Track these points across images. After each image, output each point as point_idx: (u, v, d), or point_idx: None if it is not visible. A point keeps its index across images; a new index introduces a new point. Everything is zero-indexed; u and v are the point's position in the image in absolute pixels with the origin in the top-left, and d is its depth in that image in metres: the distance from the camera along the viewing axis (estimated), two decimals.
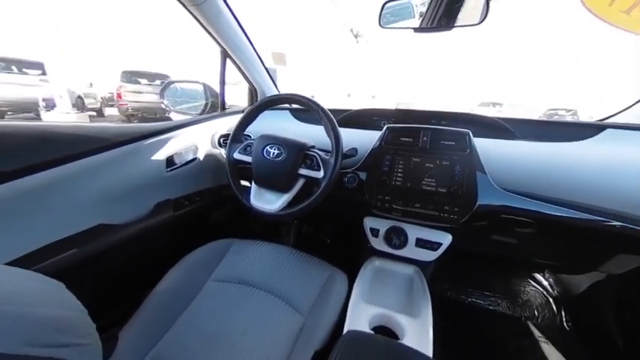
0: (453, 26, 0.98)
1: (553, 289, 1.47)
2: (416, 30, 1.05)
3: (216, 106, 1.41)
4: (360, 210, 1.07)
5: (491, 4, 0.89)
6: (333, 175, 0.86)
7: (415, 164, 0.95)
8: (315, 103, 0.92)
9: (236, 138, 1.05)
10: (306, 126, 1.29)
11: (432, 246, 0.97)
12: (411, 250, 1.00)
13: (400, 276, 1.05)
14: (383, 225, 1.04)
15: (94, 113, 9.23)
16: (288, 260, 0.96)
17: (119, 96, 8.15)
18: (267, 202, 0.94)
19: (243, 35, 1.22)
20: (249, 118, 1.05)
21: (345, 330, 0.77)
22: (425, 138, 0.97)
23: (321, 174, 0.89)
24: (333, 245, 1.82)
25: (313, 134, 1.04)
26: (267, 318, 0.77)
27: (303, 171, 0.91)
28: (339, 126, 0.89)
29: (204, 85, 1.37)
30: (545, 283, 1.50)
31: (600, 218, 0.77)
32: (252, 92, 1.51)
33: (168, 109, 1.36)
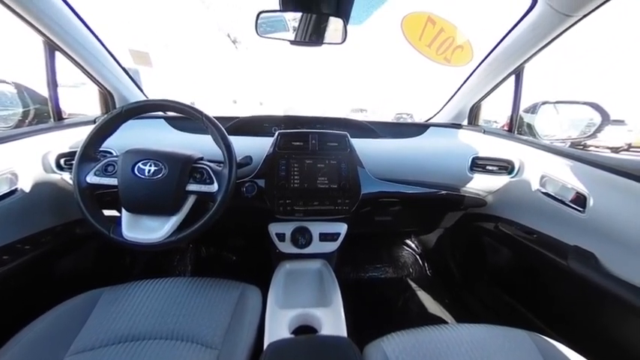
0: (322, 43, 1.13)
1: (418, 249, 1.94)
2: (292, 42, 1.14)
3: (42, 115, 1.02)
4: (264, 217, 1.06)
5: (348, 27, 1.08)
6: (230, 187, 0.80)
7: (308, 166, 1.03)
8: (197, 110, 0.82)
9: (88, 156, 0.79)
10: (189, 136, 1.13)
11: (333, 237, 1.09)
12: (316, 246, 1.08)
13: (310, 272, 1.10)
14: (288, 228, 1.07)
15: None
16: (186, 292, 0.81)
17: None
18: (148, 230, 0.76)
19: (82, 24, 0.95)
20: (106, 129, 0.82)
21: (266, 343, 0.73)
22: (313, 141, 1.07)
23: (215, 187, 0.80)
24: (240, 261, 1.70)
25: (199, 145, 0.93)
26: None
27: (192, 187, 0.80)
28: (229, 134, 0.84)
29: (19, 87, 0.97)
30: (412, 245, 1.96)
31: (434, 190, 1.15)
32: (106, 97, 1.19)
33: None
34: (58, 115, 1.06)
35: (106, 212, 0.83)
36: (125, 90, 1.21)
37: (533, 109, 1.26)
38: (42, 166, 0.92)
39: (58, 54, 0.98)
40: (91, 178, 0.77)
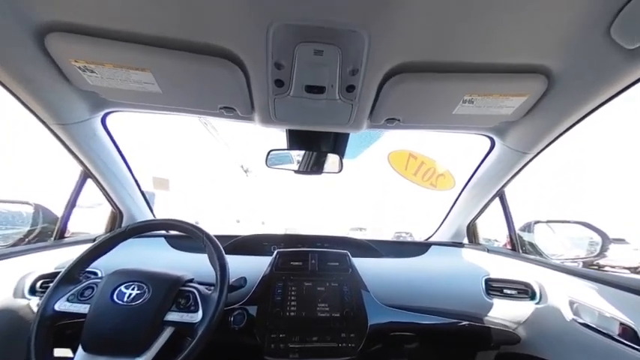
0: (322, 172, 1.31)
1: None
2: (295, 172, 1.32)
3: (46, 233, 1.03)
4: (250, 357, 0.85)
5: (343, 161, 1.28)
6: (216, 316, 0.69)
7: (307, 289, 0.93)
8: (198, 228, 0.84)
9: (69, 277, 0.74)
10: (186, 255, 1.10)
11: None
12: None
13: None
14: None
15: None
16: None
17: None
18: None
19: (119, 157, 1.12)
20: (102, 248, 0.80)
21: None
22: (313, 261, 1.02)
23: (198, 316, 0.69)
24: None
25: (194, 265, 0.89)
26: None
27: (172, 316, 0.69)
28: (226, 253, 0.81)
29: (37, 207, 1.04)
30: None
31: (453, 320, 0.98)
32: (115, 217, 1.25)
33: None
34: (60, 234, 1.07)
35: (60, 352, 0.68)
36: (137, 210, 1.28)
37: (528, 228, 1.29)
38: (13, 289, 0.84)
39: (89, 180, 1.11)
40: (61, 305, 0.69)
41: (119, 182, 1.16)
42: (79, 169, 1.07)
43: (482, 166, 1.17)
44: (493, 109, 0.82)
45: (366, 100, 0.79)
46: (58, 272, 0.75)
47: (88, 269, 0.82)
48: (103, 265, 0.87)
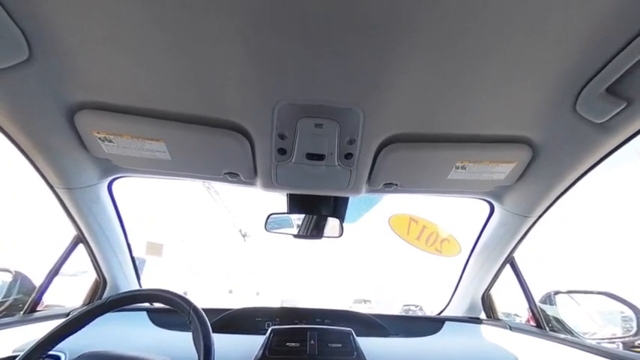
0: (322, 236, 1.27)
1: None
2: (295, 236, 1.28)
3: (17, 306, 0.93)
4: None
5: (344, 225, 1.26)
6: None
7: None
8: (185, 300, 0.75)
9: None
10: (168, 333, 0.97)
11: None
12: None
13: None
14: None
15: None
16: None
17: None
18: None
19: (117, 222, 1.10)
20: (73, 325, 0.70)
21: None
22: (312, 342, 0.89)
23: None
24: None
25: (175, 346, 0.78)
26: None
27: None
28: (214, 331, 0.71)
29: (17, 275, 0.97)
30: None
31: None
32: (97, 286, 1.15)
33: None
34: (32, 307, 0.96)
35: None
36: (122, 279, 1.19)
37: (549, 300, 1.17)
38: None
39: (80, 246, 1.06)
40: None
41: (111, 248, 1.11)
42: (71, 234, 1.04)
43: (485, 231, 1.14)
44: (486, 174, 0.85)
45: (364, 166, 0.84)
46: (16, 356, 0.64)
47: (53, 353, 0.70)
48: (69, 346, 0.75)
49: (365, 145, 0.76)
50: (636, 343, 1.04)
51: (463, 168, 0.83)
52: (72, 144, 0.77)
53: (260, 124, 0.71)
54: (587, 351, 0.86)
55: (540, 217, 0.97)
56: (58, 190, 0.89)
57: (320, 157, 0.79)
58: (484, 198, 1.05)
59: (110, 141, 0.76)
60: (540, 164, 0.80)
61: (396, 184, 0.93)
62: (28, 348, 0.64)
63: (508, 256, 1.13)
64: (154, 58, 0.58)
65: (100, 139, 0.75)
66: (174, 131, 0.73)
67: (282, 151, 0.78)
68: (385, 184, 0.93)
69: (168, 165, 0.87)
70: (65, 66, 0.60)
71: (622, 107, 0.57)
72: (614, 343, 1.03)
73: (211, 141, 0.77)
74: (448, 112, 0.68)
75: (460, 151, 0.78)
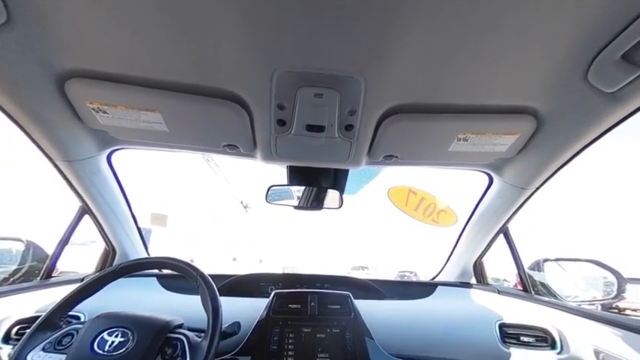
0: (322, 208, 1.30)
1: None
2: (295, 208, 1.31)
3: (33, 273, 0.98)
4: None
5: (344, 197, 1.27)
6: None
7: (307, 336, 0.86)
8: (192, 267, 0.80)
9: (48, 323, 0.68)
10: (178, 297, 1.03)
11: None
12: None
13: None
14: None
15: None
16: None
17: None
18: None
19: (120, 194, 1.12)
20: (89, 289, 0.75)
21: None
22: (312, 303, 0.96)
23: None
24: None
25: (185, 308, 0.83)
26: None
27: None
28: (220, 295, 0.76)
29: (29, 244, 1.01)
30: None
31: None
32: (107, 254, 1.20)
33: None
34: (48, 273, 1.02)
35: None
36: (131, 248, 1.24)
37: (537, 267, 1.23)
38: None
39: (86, 217, 1.10)
40: (35, 355, 0.62)
41: (117, 219, 1.14)
42: (76, 205, 1.06)
43: (482, 202, 1.16)
44: (487, 146, 0.84)
45: (364, 138, 0.82)
46: (38, 316, 0.69)
47: (72, 313, 0.76)
48: (87, 308, 0.82)
49: (366, 117, 0.74)
50: (614, 305, 1.12)
51: (465, 140, 0.82)
52: (65, 115, 0.75)
53: (258, 94, 0.68)
54: (567, 312, 0.93)
55: (538, 189, 0.99)
56: (57, 163, 0.89)
57: (320, 129, 0.78)
58: (483, 170, 1.05)
59: (104, 112, 0.74)
60: (543, 136, 0.79)
61: (397, 157, 0.93)
62: (48, 309, 0.70)
63: (503, 226, 1.16)
64: (142, 23, 0.54)
65: (93, 109, 0.73)
66: (170, 101, 0.71)
67: (281, 122, 0.77)
68: (385, 156, 0.92)
69: (165, 137, 0.86)
70: (48, 30, 0.56)
71: (636, 75, 0.54)
72: (593, 305, 1.11)
73: (209, 112, 0.75)
74: (453, 80, 0.65)
75: (463, 123, 0.76)
